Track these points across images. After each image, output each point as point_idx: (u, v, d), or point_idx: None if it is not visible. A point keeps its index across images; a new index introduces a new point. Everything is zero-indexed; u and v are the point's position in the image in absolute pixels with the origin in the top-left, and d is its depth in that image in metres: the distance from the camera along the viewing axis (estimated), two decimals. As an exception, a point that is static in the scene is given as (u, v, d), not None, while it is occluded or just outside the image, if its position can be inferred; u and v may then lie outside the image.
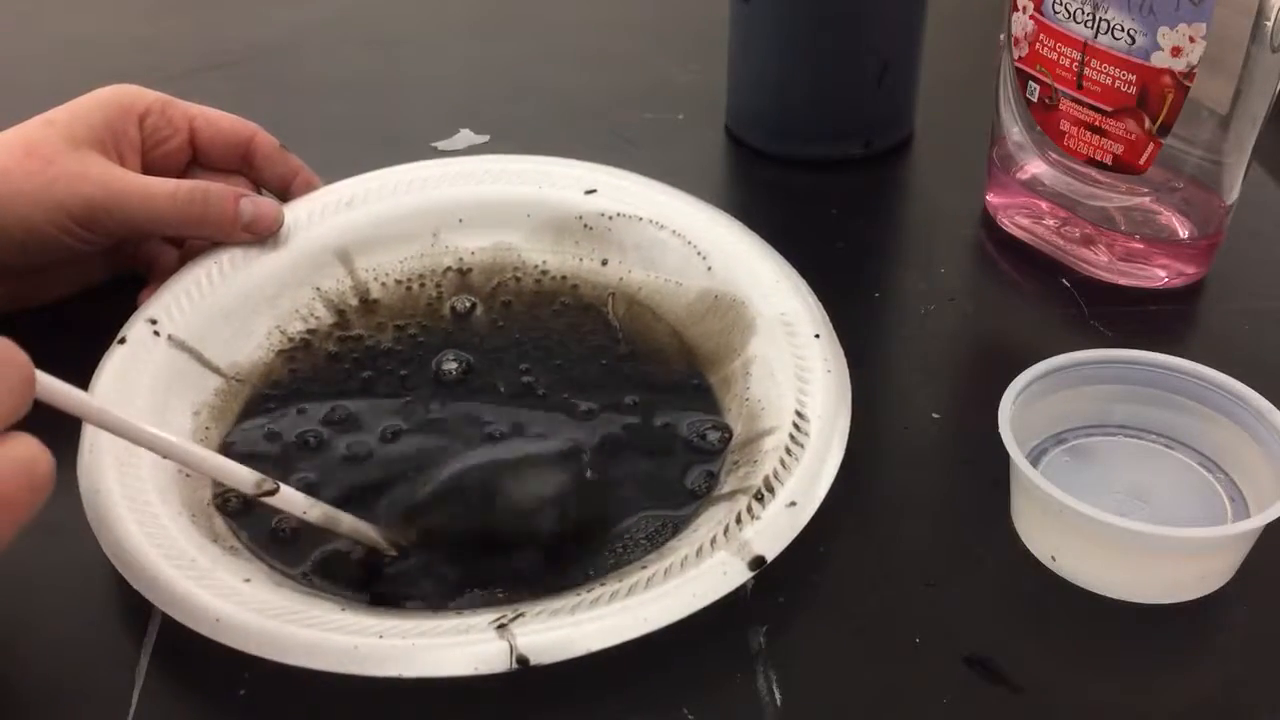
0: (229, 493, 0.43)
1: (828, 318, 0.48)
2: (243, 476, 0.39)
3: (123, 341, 0.47)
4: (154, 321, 0.47)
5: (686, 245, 0.52)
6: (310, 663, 0.36)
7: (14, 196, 0.47)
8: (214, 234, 0.50)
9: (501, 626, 0.37)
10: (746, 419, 0.46)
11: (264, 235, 0.51)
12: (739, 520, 0.40)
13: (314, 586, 0.41)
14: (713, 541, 0.40)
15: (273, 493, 0.39)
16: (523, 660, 0.36)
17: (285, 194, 0.54)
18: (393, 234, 0.53)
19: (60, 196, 0.47)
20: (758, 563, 0.39)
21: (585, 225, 0.53)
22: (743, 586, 0.39)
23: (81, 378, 0.45)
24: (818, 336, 0.47)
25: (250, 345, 0.49)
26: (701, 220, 0.52)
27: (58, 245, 0.48)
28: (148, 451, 0.42)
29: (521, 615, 0.38)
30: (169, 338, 0.47)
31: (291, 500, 0.40)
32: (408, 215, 0.54)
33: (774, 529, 0.40)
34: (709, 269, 0.51)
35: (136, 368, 0.46)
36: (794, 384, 0.45)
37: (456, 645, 0.36)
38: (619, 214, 0.53)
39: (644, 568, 0.40)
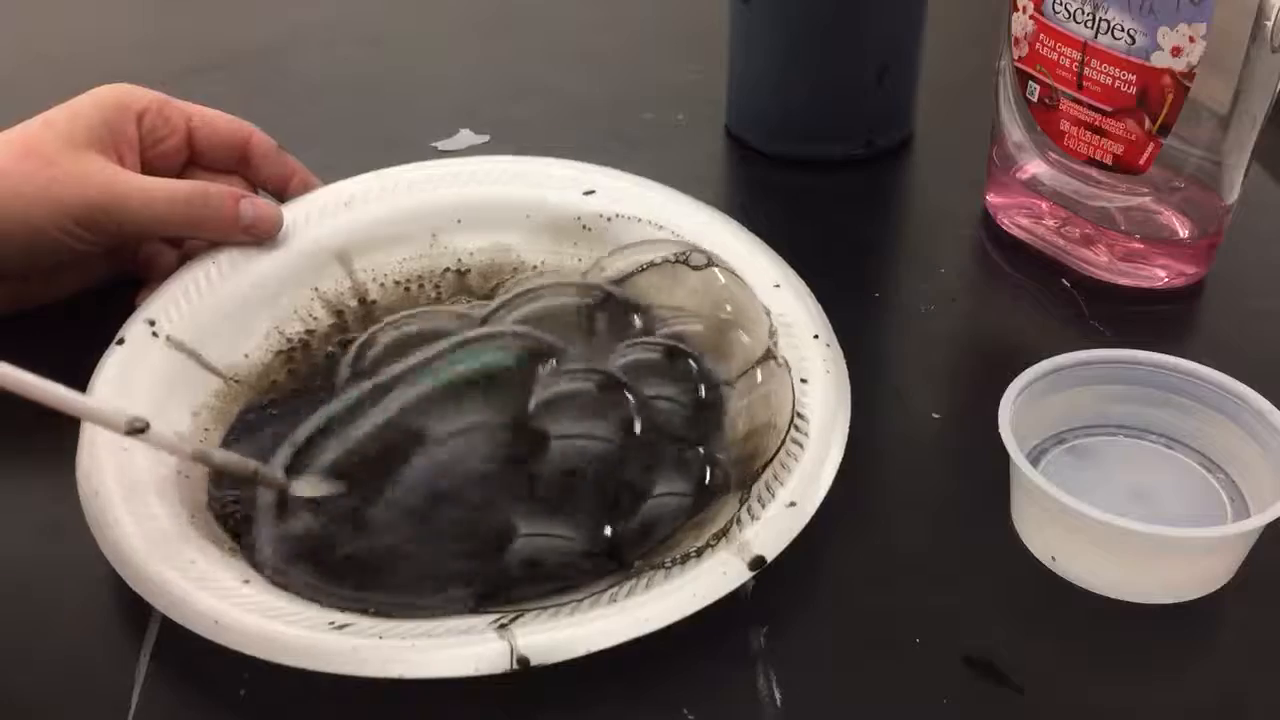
0: (228, 503, 0.43)
1: (827, 319, 0.48)
2: (112, 417, 0.39)
3: (121, 342, 0.46)
4: (152, 322, 0.47)
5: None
6: (310, 664, 0.36)
7: (14, 198, 0.47)
8: (214, 235, 0.50)
9: (502, 627, 0.37)
10: (746, 420, 0.46)
11: (264, 238, 0.51)
12: (739, 520, 0.40)
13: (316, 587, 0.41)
14: (713, 542, 0.40)
15: (143, 431, 0.39)
16: (523, 661, 0.36)
17: (282, 195, 0.54)
18: (391, 235, 0.53)
19: (60, 197, 0.47)
20: (758, 563, 0.39)
21: (584, 226, 0.53)
22: (743, 586, 0.39)
23: (80, 378, 0.45)
24: (816, 337, 0.47)
25: (249, 346, 0.49)
26: (700, 221, 0.52)
27: (58, 246, 0.48)
28: (146, 452, 0.42)
29: (522, 615, 0.38)
30: (167, 338, 0.47)
31: (163, 439, 0.40)
32: (406, 216, 0.53)
33: (774, 529, 0.40)
34: None
35: (135, 368, 0.46)
36: (794, 385, 0.45)
37: (457, 646, 0.36)
38: (618, 215, 0.53)
39: (644, 568, 0.40)
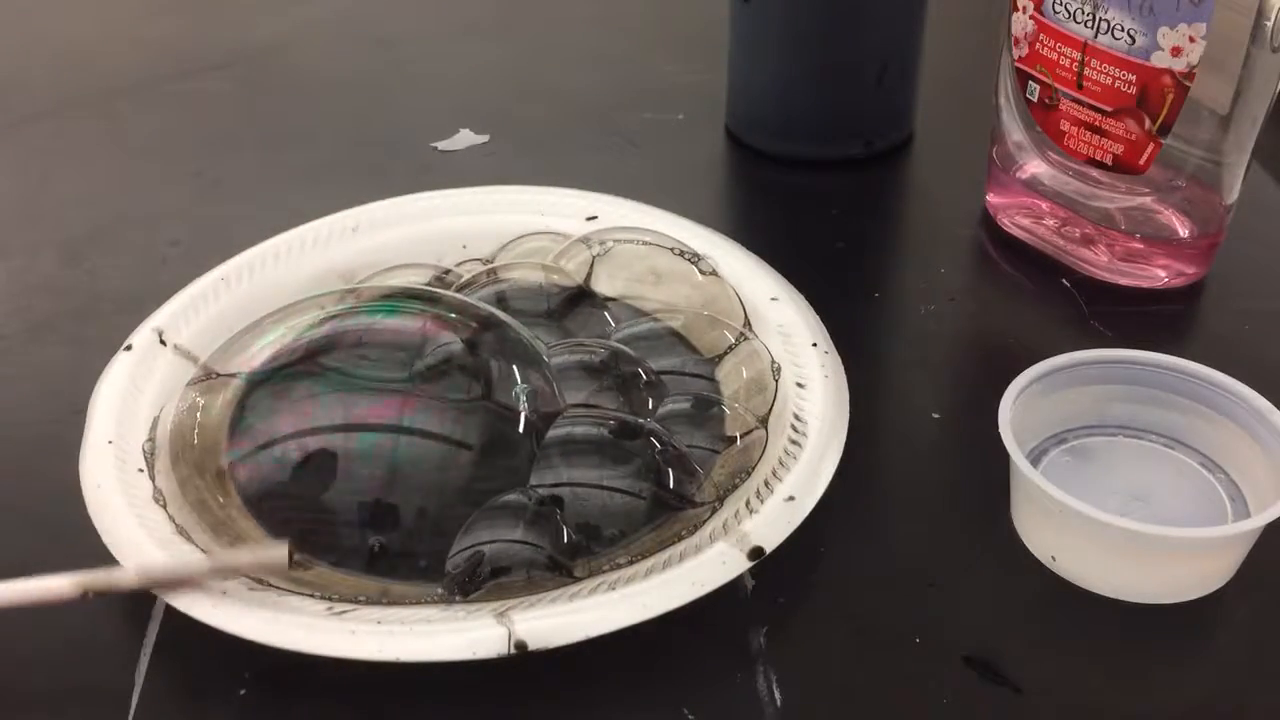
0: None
1: (825, 330, 0.48)
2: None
3: (129, 349, 0.47)
4: (161, 331, 0.48)
5: None
6: (308, 647, 0.36)
7: None
8: None
9: (501, 613, 0.37)
10: (743, 423, 0.46)
11: None
12: (737, 515, 0.41)
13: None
14: (711, 536, 0.40)
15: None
16: (521, 645, 0.36)
17: None
18: (397, 259, 0.53)
19: None
20: (756, 553, 0.39)
21: None
22: (743, 588, 0.39)
23: (87, 384, 0.45)
24: (815, 345, 0.47)
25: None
26: (702, 246, 0.52)
27: None
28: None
29: (520, 602, 0.38)
30: (174, 347, 0.47)
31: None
32: (412, 241, 0.54)
33: (773, 522, 0.40)
34: None
35: (141, 375, 0.46)
36: (791, 390, 0.45)
37: (455, 631, 0.37)
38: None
39: (642, 560, 0.40)
